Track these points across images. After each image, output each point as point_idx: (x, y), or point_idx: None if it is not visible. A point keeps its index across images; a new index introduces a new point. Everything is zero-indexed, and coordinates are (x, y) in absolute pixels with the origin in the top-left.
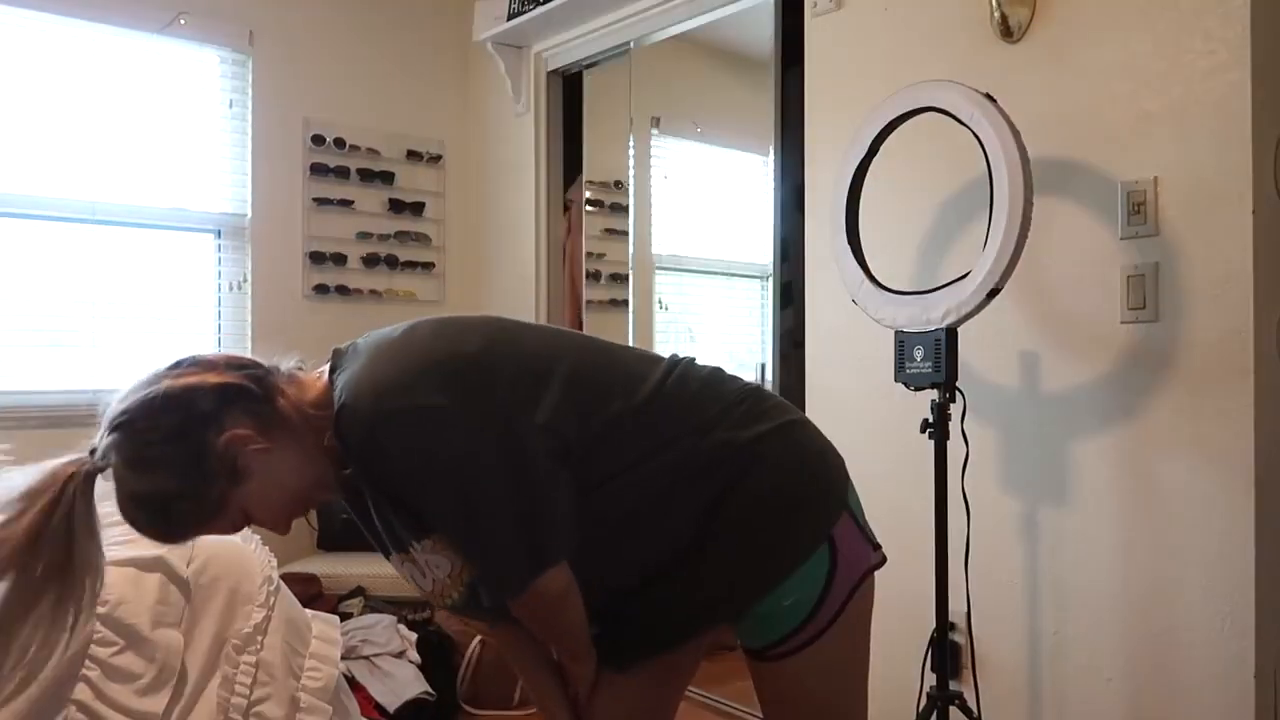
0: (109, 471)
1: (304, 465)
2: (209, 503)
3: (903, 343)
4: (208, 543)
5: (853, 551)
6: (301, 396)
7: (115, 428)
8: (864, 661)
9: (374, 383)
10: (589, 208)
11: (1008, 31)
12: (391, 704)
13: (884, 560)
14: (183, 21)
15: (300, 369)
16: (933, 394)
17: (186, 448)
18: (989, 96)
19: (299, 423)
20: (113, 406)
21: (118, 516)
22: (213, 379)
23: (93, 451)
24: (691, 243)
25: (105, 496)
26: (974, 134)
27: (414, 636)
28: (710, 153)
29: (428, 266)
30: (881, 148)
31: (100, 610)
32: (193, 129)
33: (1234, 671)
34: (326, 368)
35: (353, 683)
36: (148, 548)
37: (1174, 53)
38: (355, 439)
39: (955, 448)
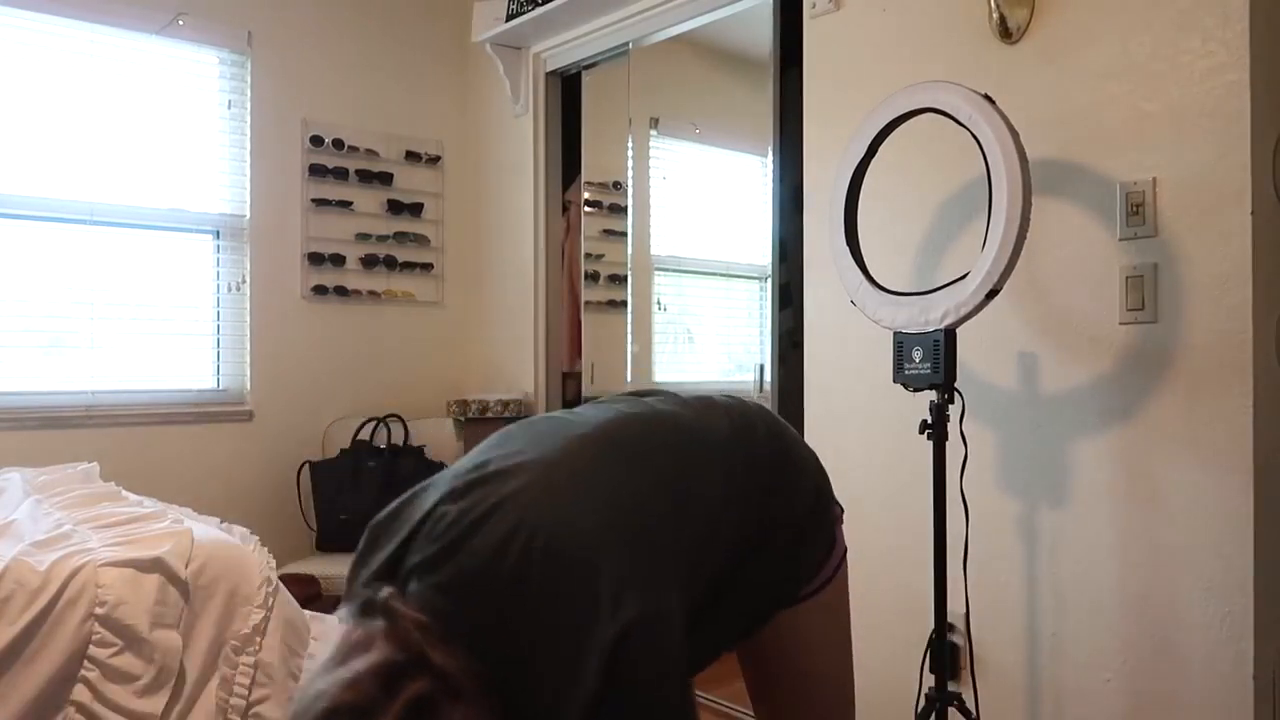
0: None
1: None
2: None
3: (901, 344)
4: (206, 543)
5: (841, 541)
6: None
7: None
8: (849, 629)
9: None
10: (588, 209)
11: (1006, 32)
12: None
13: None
14: (181, 22)
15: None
16: (931, 395)
17: None
18: (988, 97)
19: None
20: None
21: (118, 515)
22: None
23: None
24: (690, 243)
25: (107, 498)
26: (973, 135)
27: None
28: (709, 153)
29: (426, 267)
30: (880, 149)
31: (99, 611)
32: (191, 130)
33: (1233, 671)
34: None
35: None
36: (147, 548)
37: (1172, 53)
38: None
39: (954, 449)
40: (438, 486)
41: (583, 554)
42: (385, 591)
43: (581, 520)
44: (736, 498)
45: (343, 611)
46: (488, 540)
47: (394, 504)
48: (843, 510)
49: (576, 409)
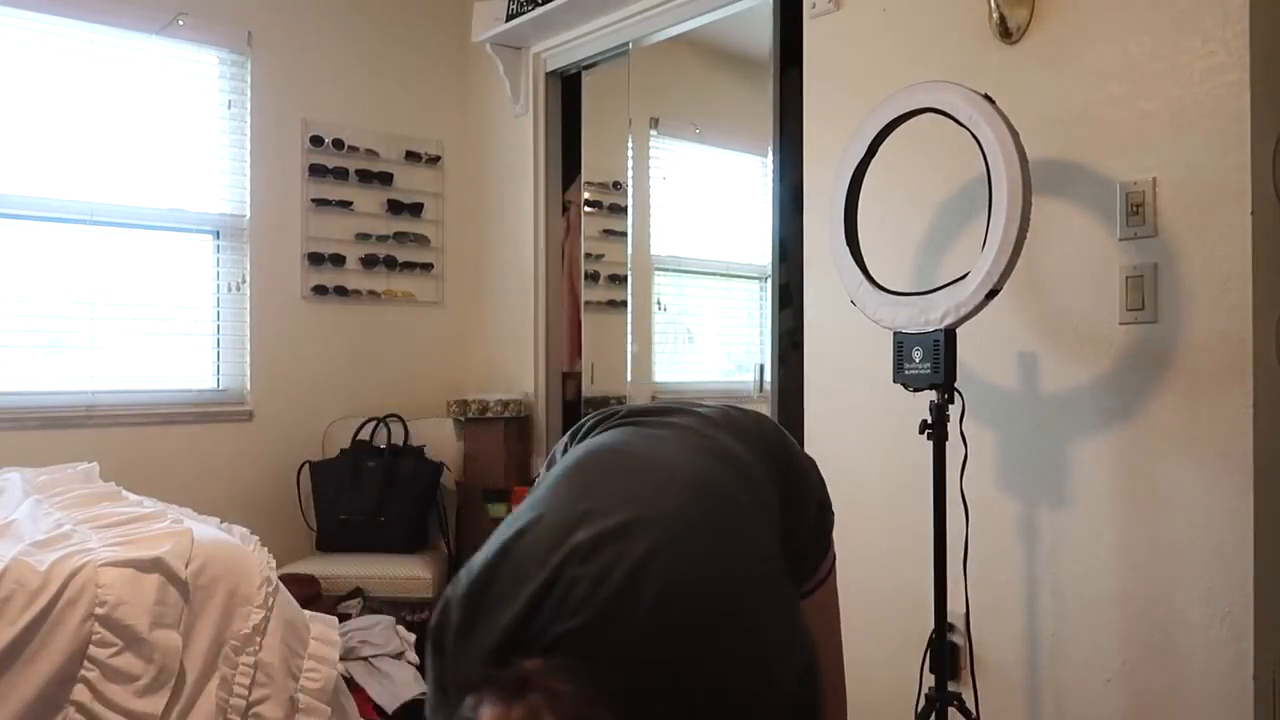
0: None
1: None
2: None
3: (901, 343)
4: (206, 543)
5: (832, 546)
6: None
7: None
8: (840, 631)
9: None
10: (588, 209)
11: (1006, 32)
12: (390, 705)
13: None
14: (181, 22)
15: None
16: (931, 395)
17: None
18: (988, 97)
19: None
20: None
21: (118, 515)
22: None
23: None
24: (690, 244)
25: (107, 498)
26: (973, 135)
27: (413, 637)
28: (709, 153)
29: (426, 267)
30: (880, 149)
31: (99, 611)
32: (191, 130)
33: (1233, 672)
34: None
35: (351, 684)
36: (146, 548)
37: (1172, 53)
38: None
39: (954, 449)
40: (537, 541)
41: (744, 609)
42: (532, 664)
43: (729, 574)
44: (782, 515)
45: (482, 695)
46: (642, 606)
47: (481, 566)
48: (834, 516)
49: (628, 440)
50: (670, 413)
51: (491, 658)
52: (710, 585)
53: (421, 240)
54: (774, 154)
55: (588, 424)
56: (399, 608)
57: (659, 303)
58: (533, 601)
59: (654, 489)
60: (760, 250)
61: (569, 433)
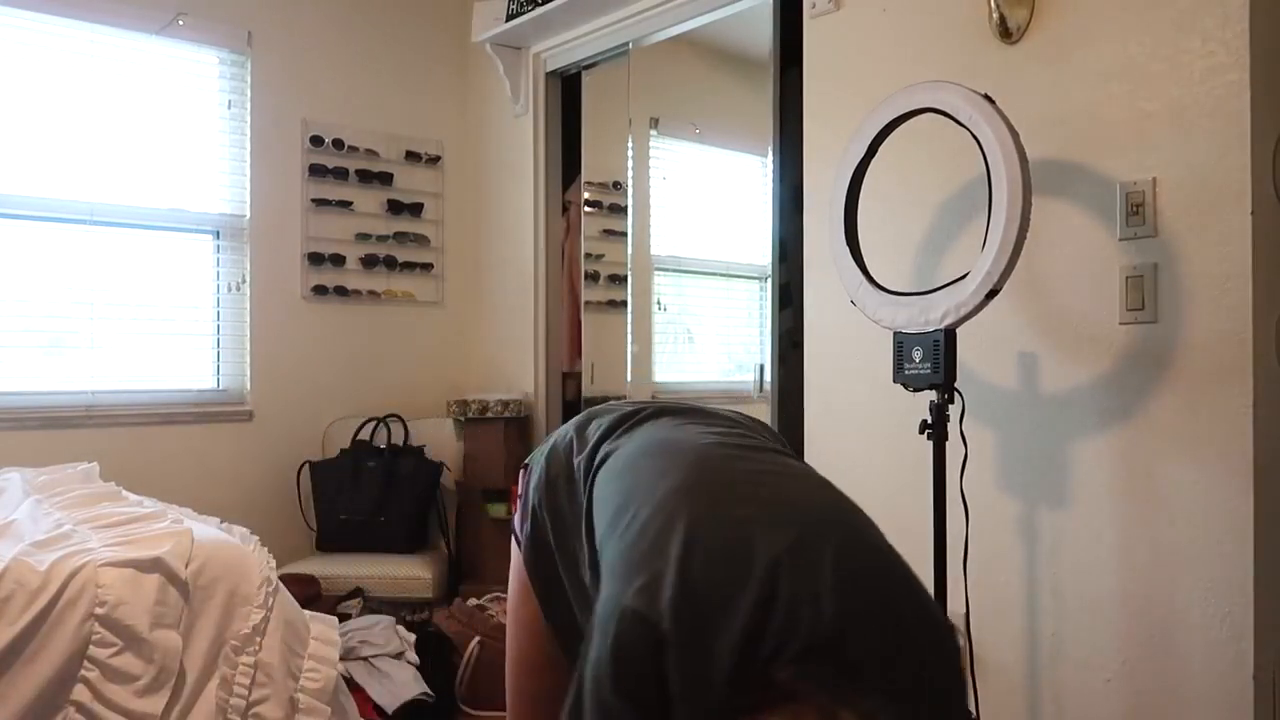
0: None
1: None
2: None
3: (901, 343)
4: (206, 543)
5: None
6: None
7: None
8: None
9: None
10: (588, 209)
11: (1006, 32)
12: (390, 705)
13: None
14: (181, 22)
15: None
16: (931, 395)
17: None
18: (988, 97)
19: None
20: None
21: (118, 515)
22: None
23: None
24: (690, 244)
25: (107, 498)
26: (973, 135)
27: (412, 637)
28: (709, 153)
29: (426, 267)
30: (880, 149)
31: (99, 611)
32: (191, 130)
33: (1233, 672)
34: None
35: (351, 684)
36: (146, 548)
37: (1172, 53)
38: None
39: (954, 449)
40: (719, 558)
41: (915, 591)
42: (784, 675)
43: (892, 563)
44: None
45: (759, 714)
46: (869, 625)
47: (673, 599)
48: None
49: (710, 439)
50: (697, 414)
51: (735, 682)
52: (888, 574)
53: (421, 240)
54: (774, 154)
55: (608, 422)
56: (399, 608)
57: (659, 303)
58: (753, 624)
59: (803, 491)
60: (760, 250)
61: (574, 430)
